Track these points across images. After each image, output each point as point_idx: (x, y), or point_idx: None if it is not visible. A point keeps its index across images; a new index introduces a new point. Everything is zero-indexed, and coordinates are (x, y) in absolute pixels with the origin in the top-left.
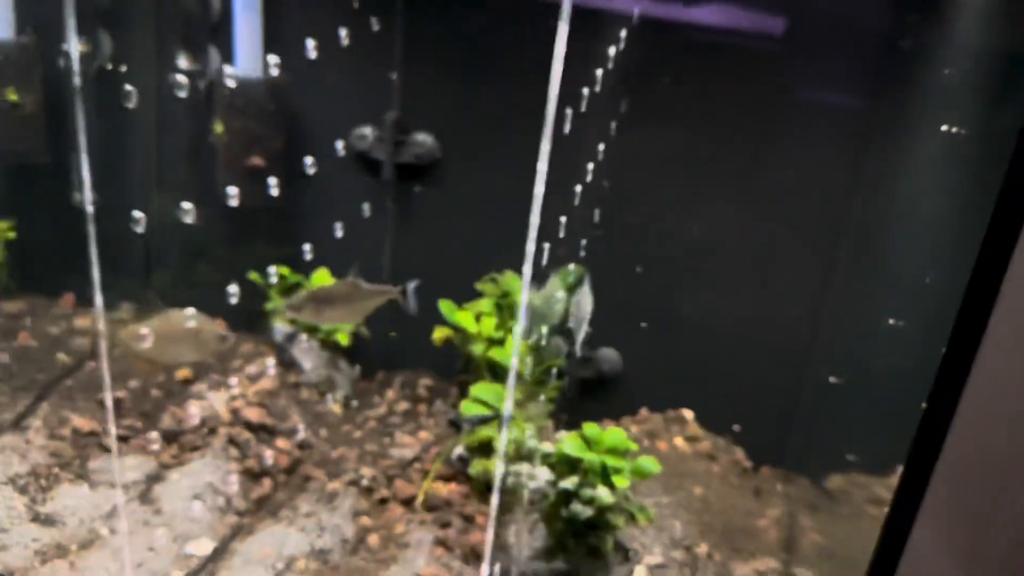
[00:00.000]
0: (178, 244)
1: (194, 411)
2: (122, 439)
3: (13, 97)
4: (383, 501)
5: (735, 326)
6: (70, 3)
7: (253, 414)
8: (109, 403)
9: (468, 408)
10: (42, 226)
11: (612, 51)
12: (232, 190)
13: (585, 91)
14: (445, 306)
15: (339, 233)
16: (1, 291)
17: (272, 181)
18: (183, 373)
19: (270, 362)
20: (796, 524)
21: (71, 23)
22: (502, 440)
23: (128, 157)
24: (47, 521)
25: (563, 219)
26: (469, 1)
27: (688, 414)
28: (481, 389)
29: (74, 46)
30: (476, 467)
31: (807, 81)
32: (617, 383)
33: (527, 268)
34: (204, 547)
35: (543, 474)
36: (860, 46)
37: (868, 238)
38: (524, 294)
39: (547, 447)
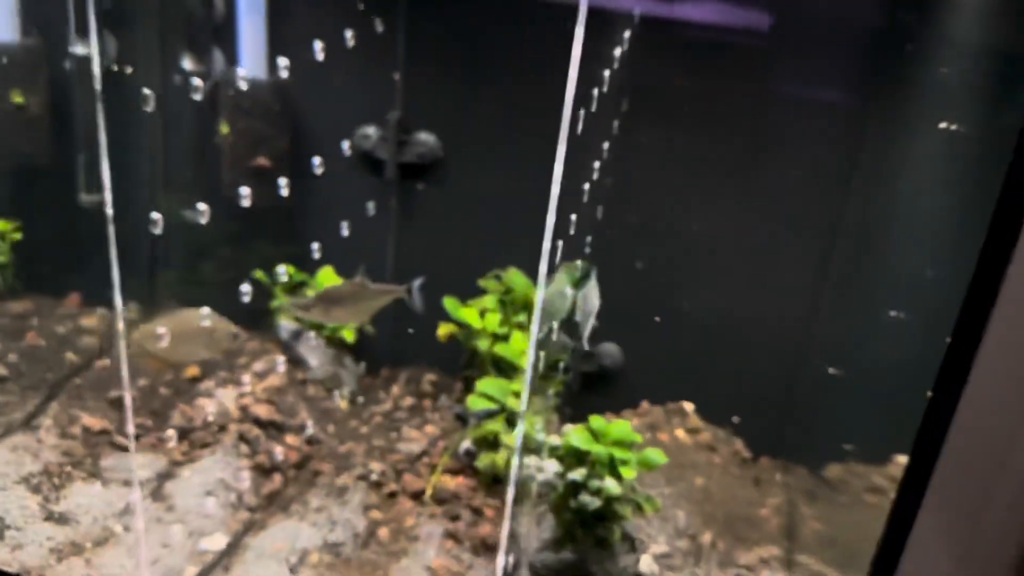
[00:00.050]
0: (183, 244)
1: (210, 408)
2: (133, 437)
3: (19, 99)
4: (392, 495)
5: (734, 320)
6: (91, 9)
7: (262, 411)
8: (128, 401)
9: (474, 403)
10: (47, 227)
11: (612, 50)
12: (244, 190)
13: (585, 90)
14: (449, 303)
15: (345, 232)
16: (7, 291)
17: (279, 181)
18: (191, 371)
19: (280, 359)
20: (796, 513)
21: (93, 27)
22: (518, 433)
23: (133, 158)
24: (61, 519)
25: (572, 217)
26: (470, 3)
27: (688, 406)
28: (487, 384)
29: (95, 52)
30: (483, 460)
31: (805, 77)
32: (618, 377)
33: (543, 265)
34: (218, 542)
35: (551, 466)
36: (858, 42)
37: (866, 233)
38: (540, 291)
39: (555, 440)
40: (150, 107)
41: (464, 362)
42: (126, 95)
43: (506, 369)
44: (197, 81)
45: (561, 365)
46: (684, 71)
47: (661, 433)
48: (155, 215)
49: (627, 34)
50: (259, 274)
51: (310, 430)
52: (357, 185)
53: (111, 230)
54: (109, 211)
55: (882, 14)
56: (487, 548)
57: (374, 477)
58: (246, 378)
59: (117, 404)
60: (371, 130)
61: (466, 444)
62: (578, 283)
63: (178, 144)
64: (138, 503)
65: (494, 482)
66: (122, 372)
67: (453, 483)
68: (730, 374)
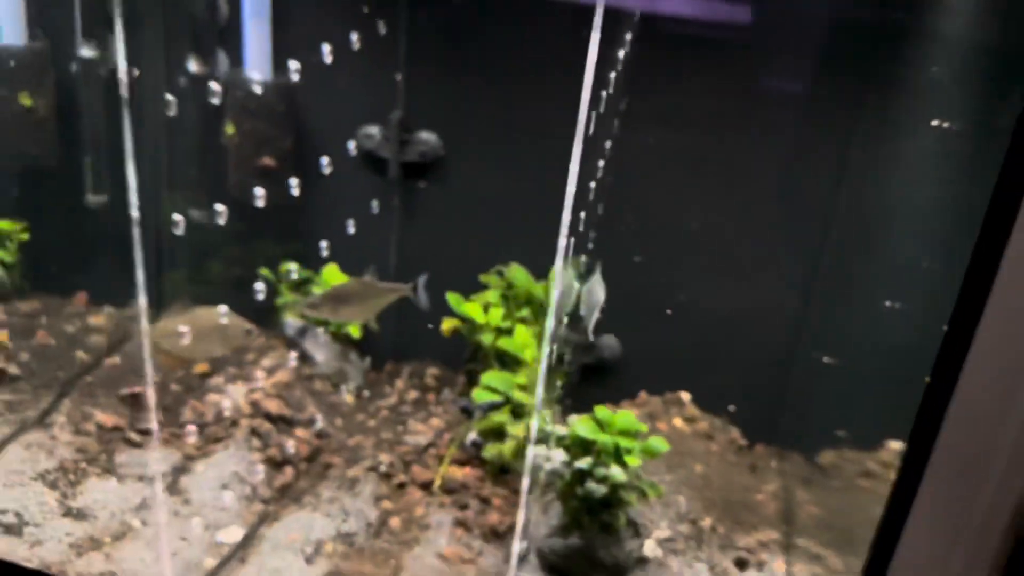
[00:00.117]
0: (189, 243)
1: (225, 403)
2: (145, 433)
3: (27, 101)
4: (402, 485)
5: (730, 311)
6: (117, 22)
7: (272, 405)
8: (151, 398)
9: (480, 395)
10: (53, 227)
11: (615, 50)
12: (251, 190)
13: (584, 89)
14: (453, 298)
15: (348, 230)
16: (15, 291)
17: (288, 181)
18: (200, 368)
19: (292, 355)
20: (792, 497)
21: (119, 32)
22: (533, 424)
23: (138, 159)
24: (79, 515)
25: (581, 214)
26: (470, 3)
27: (685, 396)
28: (492, 377)
29: (122, 61)
30: (490, 451)
31: (800, 73)
32: (617, 368)
33: (559, 260)
34: (234, 535)
35: (558, 456)
36: (854, 40)
37: (861, 226)
38: (556, 287)
39: (561, 430)
40: (171, 111)
41: (467, 356)
42: (134, 97)
43: (509, 363)
44: (215, 86)
45: (566, 358)
46: (678, 68)
47: (660, 422)
48: (176, 216)
49: (625, 32)
50: (265, 272)
51: (319, 424)
52: (360, 184)
53: (136, 232)
54: (135, 213)
55: (874, 10)
56: (496, 535)
57: (383, 469)
58: (257, 374)
59: (129, 401)
60: (374, 130)
61: (472, 436)
62: (582, 277)
63: (184, 145)
64: (160, 496)
65: (501, 472)
66: (145, 368)
67: (461, 473)
68: (726, 364)
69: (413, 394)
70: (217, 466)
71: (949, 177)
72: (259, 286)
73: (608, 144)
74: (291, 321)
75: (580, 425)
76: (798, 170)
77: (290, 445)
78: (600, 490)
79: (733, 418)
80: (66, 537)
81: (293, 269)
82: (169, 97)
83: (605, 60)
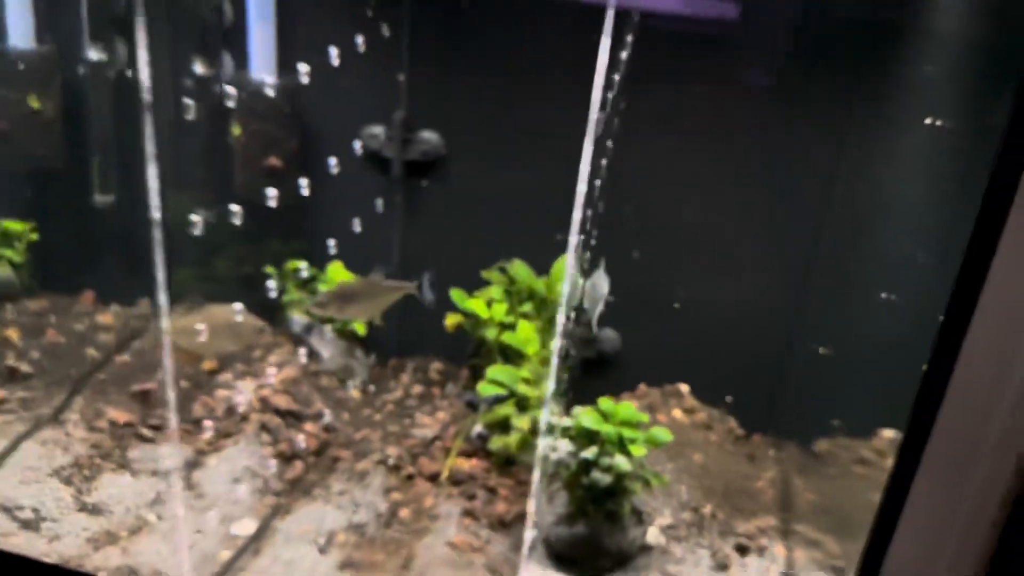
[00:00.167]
0: (196, 242)
1: (238, 398)
2: (157, 428)
3: (35, 104)
4: (410, 477)
5: (727, 305)
6: (140, 25)
7: (281, 401)
8: (172, 396)
9: (485, 389)
10: (61, 227)
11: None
12: (258, 190)
13: (582, 87)
14: (456, 294)
15: (352, 228)
16: (24, 290)
17: (293, 181)
18: (209, 364)
19: (301, 352)
20: (789, 485)
21: (141, 38)
22: (544, 416)
23: (146, 159)
24: (94, 510)
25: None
26: (470, 5)
27: (684, 388)
28: (497, 371)
29: (144, 66)
30: (496, 443)
31: (796, 70)
32: (617, 362)
33: (570, 257)
34: (247, 527)
35: (563, 446)
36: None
37: (855, 219)
38: (567, 282)
39: (565, 422)
40: (192, 115)
41: (470, 351)
42: (140, 99)
43: (512, 357)
44: (224, 88)
45: (569, 351)
46: (674, 66)
47: (659, 414)
48: (194, 217)
49: (623, 31)
50: (270, 270)
51: (327, 419)
52: (365, 183)
53: (158, 234)
54: (156, 215)
55: (868, 9)
56: (503, 524)
57: (391, 461)
58: (267, 370)
59: (140, 397)
60: (378, 130)
61: (478, 428)
62: (586, 272)
63: (191, 146)
64: (177, 490)
65: (507, 463)
66: (164, 364)
67: (467, 465)
68: (723, 356)
69: (418, 389)
70: (229, 460)
71: (942, 172)
72: (271, 284)
73: (608, 143)
74: (297, 318)
75: (585, 416)
76: (794, 165)
77: (299, 439)
78: (605, 479)
79: (730, 409)
80: (83, 532)
81: (303, 267)
82: (188, 101)
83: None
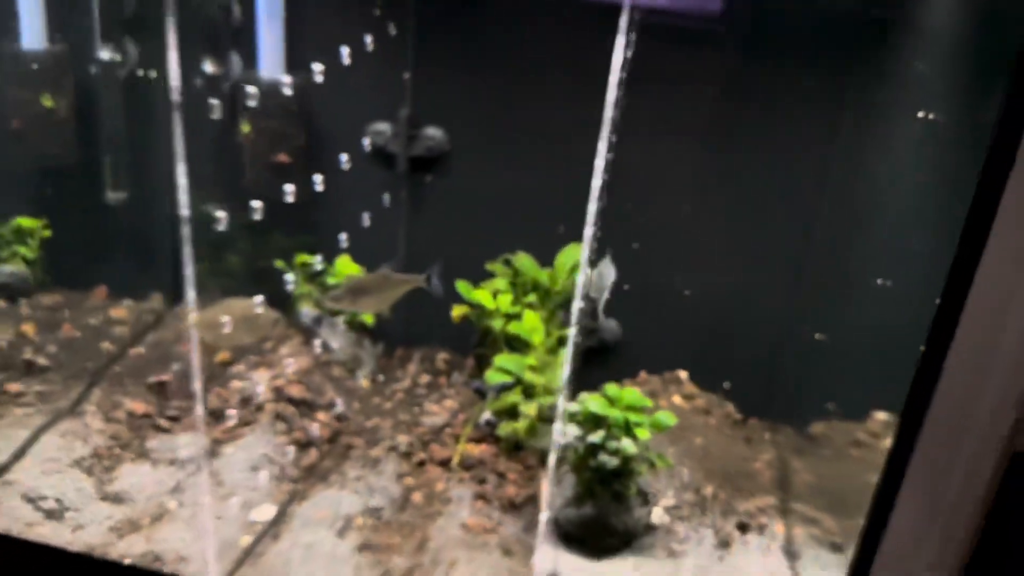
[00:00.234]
0: (207, 237)
1: (257, 388)
2: (174, 419)
3: (48, 103)
4: (421, 463)
5: (725, 292)
6: (170, 35)
7: (295, 390)
8: (198, 388)
9: (493, 377)
10: (72, 224)
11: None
12: (276, 187)
13: (583, 84)
14: (463, 286)
15: (359, 223)
16: (38, 286)
17: (302, 177)
18: (222, 356)
19: (315, 343)
20: (787, 466)
21: (171, 39)
22: (559, 401)
23: (157, 157)
24: (116, 499)
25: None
26: (475, 4)
27: (683, 374)
28: (505, 359)
29: (174, 67)
30: (505, 429)
31: (790, 64)
32: (618, 350)
33: (585, 249)
34: (266, 513)
35: (571, 431)
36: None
37: (850, 207)
38: (581, 273)
39: (572, 407)
40: (217, 115)
41: (476, 341)
42: (151, 98)
43: (518, 346)
44: (235, 86)
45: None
46: (672, 61)
47: (660, 399)
48: (219, 213)
49: (623, 25)
50: (280, 263)
51: (339, 408)
52: (371, 178)
53: (186, 231)
54: (185, 212)
55: (861, 2)
56: (514, 507)
57: (403, 448)
58: (281, 361)
59: (156, 389)
60: (384, 126)
61: (486, 415)
62: (592, 262)
63: (201, 143)
64: (204, 477)
65: (515, 448)
66: (192, 359)
67: (477, 450)
68: (721, 343)
69: (425, 378)
70: (246, 448)
71: (935, 163)
72: (289, 277)
73: (612, 138)
74: (307, 310)
75: (592, 401)
76: (790, 154)
77: (314, 428)
78: (612, 461)
79: (728, 394)
80: (106, 520)
81: (317, 261)
82: (213, 101)
83: (606, 58)
